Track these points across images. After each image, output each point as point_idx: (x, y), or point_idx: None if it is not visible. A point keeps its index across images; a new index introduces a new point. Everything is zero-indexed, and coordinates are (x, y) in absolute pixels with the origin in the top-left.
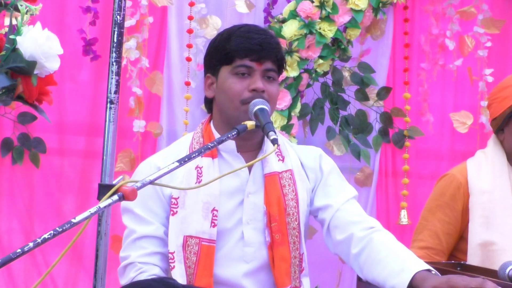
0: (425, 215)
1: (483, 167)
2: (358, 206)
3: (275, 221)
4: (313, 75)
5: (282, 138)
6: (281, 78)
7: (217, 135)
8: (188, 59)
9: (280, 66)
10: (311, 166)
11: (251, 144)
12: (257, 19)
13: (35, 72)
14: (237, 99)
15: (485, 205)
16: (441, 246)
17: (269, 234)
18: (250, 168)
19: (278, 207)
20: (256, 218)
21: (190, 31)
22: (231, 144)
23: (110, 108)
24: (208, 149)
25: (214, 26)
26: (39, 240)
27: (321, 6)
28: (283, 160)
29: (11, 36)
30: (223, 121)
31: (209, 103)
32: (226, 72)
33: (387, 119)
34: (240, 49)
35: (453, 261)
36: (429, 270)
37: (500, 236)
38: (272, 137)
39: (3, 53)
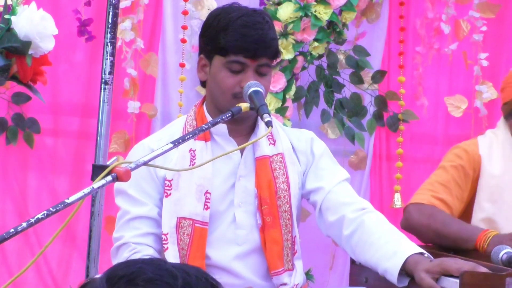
0: (438, 172)
1: (494, 149)
2: (350, 188)
3: (266, 204)
4: (308, 58)
5: (274, 121)
6: (275, 61)
7: (209, 118)
8: (183, 41)
9: (274, 58)
10: (302, 150)
11: (243, 128)
12: (252, 1)
13: (30, 52)
14: (229, 93)
15: (493, 189)
16: (454, 206)
17: (260, 217)
18: (242, 151)
19: (268, 190)
20: (247, 201)
21: (185, 13)
22: (222, 128)
23: (105, 89)
24: (202, 130)
25: (209, 7)
26: (32, 220)
27: None
28: (274, 144)
29: (6, 16)
30: (215, 107)
31: (204, 83)
32: (219, 63)
33: (381, 102)
34: (235, 46)
35: None
36: (421, 254)
37: (505, 220)
38: (266, 119)
39: None
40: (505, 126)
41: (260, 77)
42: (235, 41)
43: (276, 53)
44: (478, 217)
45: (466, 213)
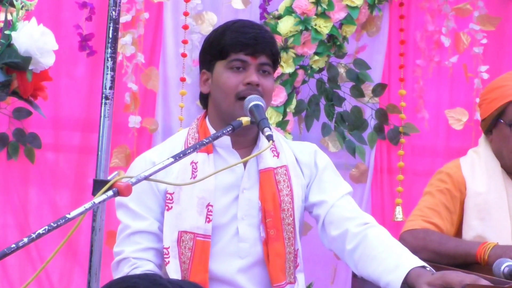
0: (425, 198)
1: (477, 168)
2: (353, 202)
3: (270, 216)
4: (309, 71)
5: (277, 134)
6: (276, 74)
7: (212, 131)
8: (184, 55)
9: (275, 60)
10: (306, 162)
11: (246, 140)
12: (252, 15)
13: (30, 67)
14: (232, 94)
15: (481, 207)
16: (446, 228)
17: (264, 230)
18: (245, 163)
19: (273, 203)
20: (251, 213)
21: (185, 27)
22: (226, 140)
23: (105, 103)
24: (203, 145)
25: (210, 22)
26: (33, 236)
27: (317, 2)
28: (278, 156)
29: (6, 32)
30: (218, 117)
31: (204, 99)
32: (221, 67)
33: (382, 115)
34: (234, 44)
35: None
36: (423, 267)
37: (495, 236)
38: (267, 133)
39: None
40: (486, 142)
41: (263, 76)
42: (234, 39)
43: (276, 54)
44: (468, 236)
45: (457, 236)
